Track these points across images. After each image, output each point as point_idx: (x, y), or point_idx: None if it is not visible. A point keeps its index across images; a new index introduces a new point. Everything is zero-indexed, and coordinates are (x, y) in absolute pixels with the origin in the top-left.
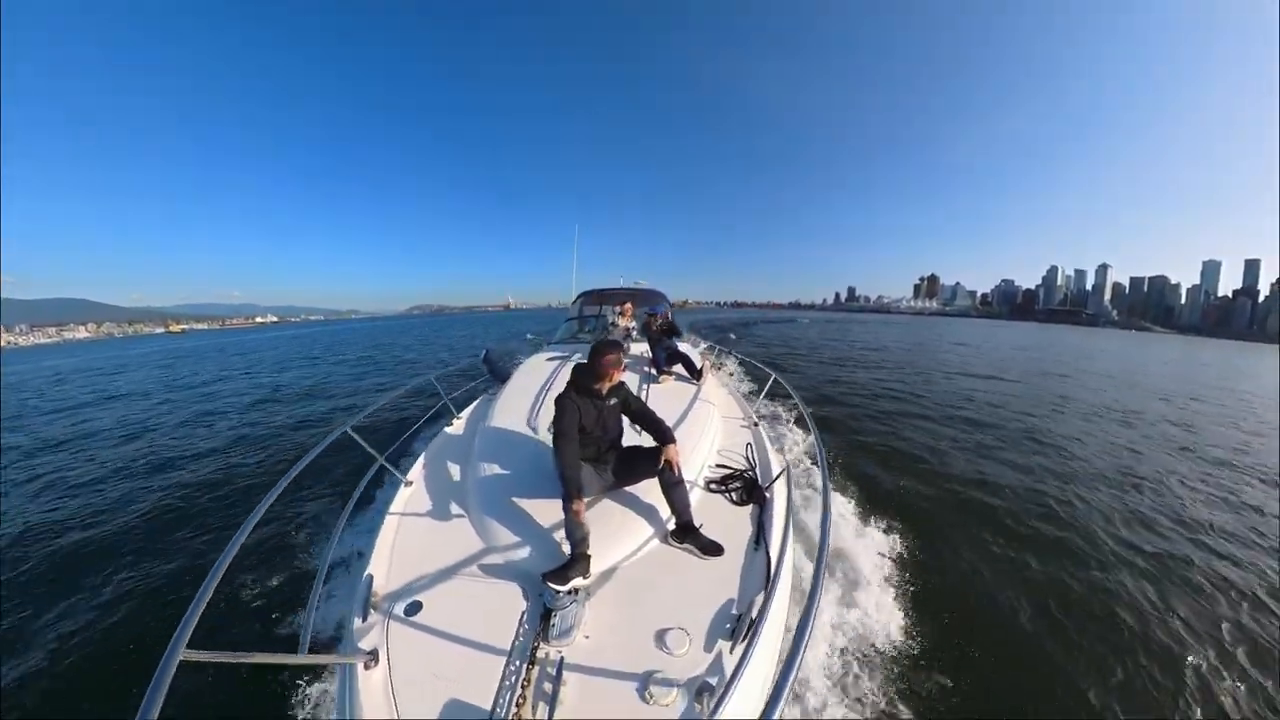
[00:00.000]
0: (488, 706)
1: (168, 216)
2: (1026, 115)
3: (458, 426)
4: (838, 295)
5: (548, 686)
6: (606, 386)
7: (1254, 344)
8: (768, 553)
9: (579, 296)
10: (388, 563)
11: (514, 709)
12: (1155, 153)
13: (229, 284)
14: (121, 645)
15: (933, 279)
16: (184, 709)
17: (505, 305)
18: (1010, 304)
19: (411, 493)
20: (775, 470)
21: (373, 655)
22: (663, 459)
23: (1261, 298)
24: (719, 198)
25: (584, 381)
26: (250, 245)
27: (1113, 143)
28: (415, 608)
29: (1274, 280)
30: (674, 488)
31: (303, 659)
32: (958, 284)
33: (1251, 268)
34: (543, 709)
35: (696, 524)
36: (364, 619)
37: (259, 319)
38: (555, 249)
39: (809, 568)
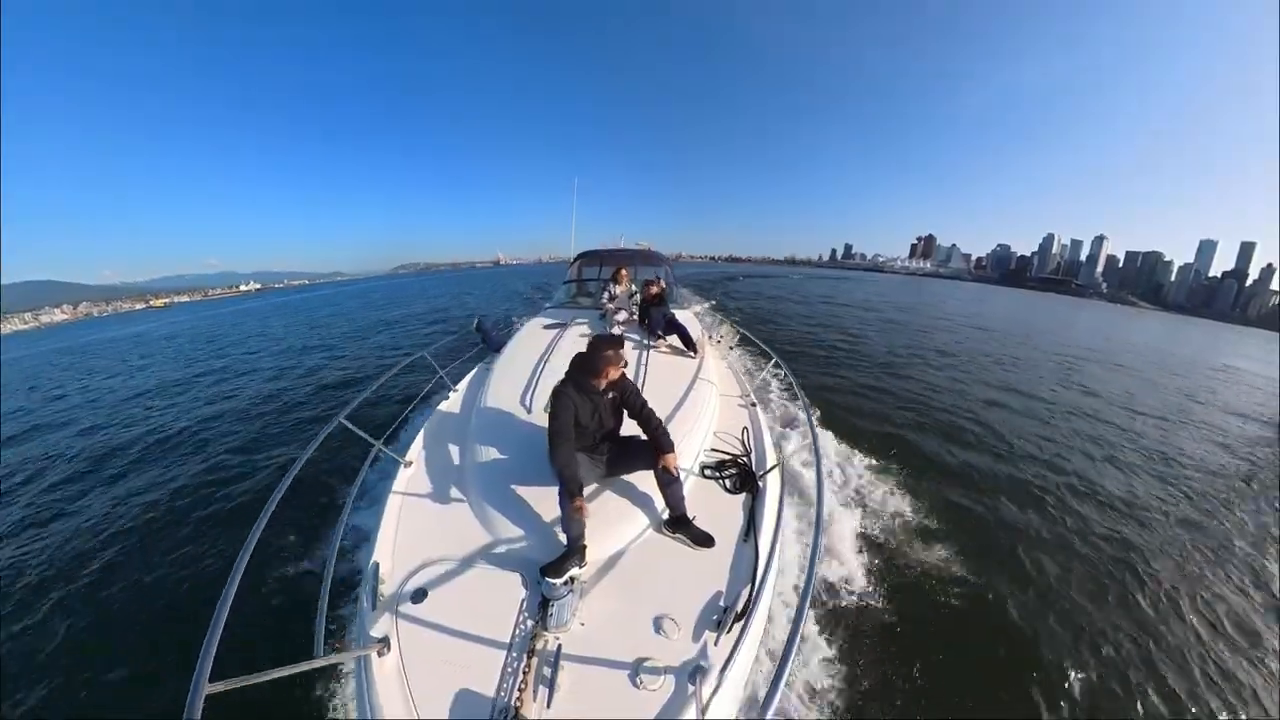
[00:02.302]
0: (492, 693)
1: (131, 186)
2: (1044, 68)
3: (454, 401)
4: (834, 252)
5: (547, 672)
6: (604, 383)
7: (1229, 325)
8: (756, 547)
9: (577, 258)
10: (392, 549)
11: (516, 694)
12: (1169, 126)
13: (204, 252)
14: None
15: (929, 239)
16: None
17: (495, 261)
18: (1003, 269)
19: (411, 475)
20: (770, 457)
21: (384, 642)
22: (660, 464)
23: (1249, 281)
24: (718, 149)
25: (581, 378)
26: (223, 210)
27: (1127, 108)
28: (421, 595)
29: (1264, 265)
30: (670, 485)
31: (321, 661)
32: (954, 246)
33: (1246, 250)
34: (543, 694)
35: (690, 515)
36: (373, 607)
37: (242, 286)
38: (546, 203)
39: (798, 557)
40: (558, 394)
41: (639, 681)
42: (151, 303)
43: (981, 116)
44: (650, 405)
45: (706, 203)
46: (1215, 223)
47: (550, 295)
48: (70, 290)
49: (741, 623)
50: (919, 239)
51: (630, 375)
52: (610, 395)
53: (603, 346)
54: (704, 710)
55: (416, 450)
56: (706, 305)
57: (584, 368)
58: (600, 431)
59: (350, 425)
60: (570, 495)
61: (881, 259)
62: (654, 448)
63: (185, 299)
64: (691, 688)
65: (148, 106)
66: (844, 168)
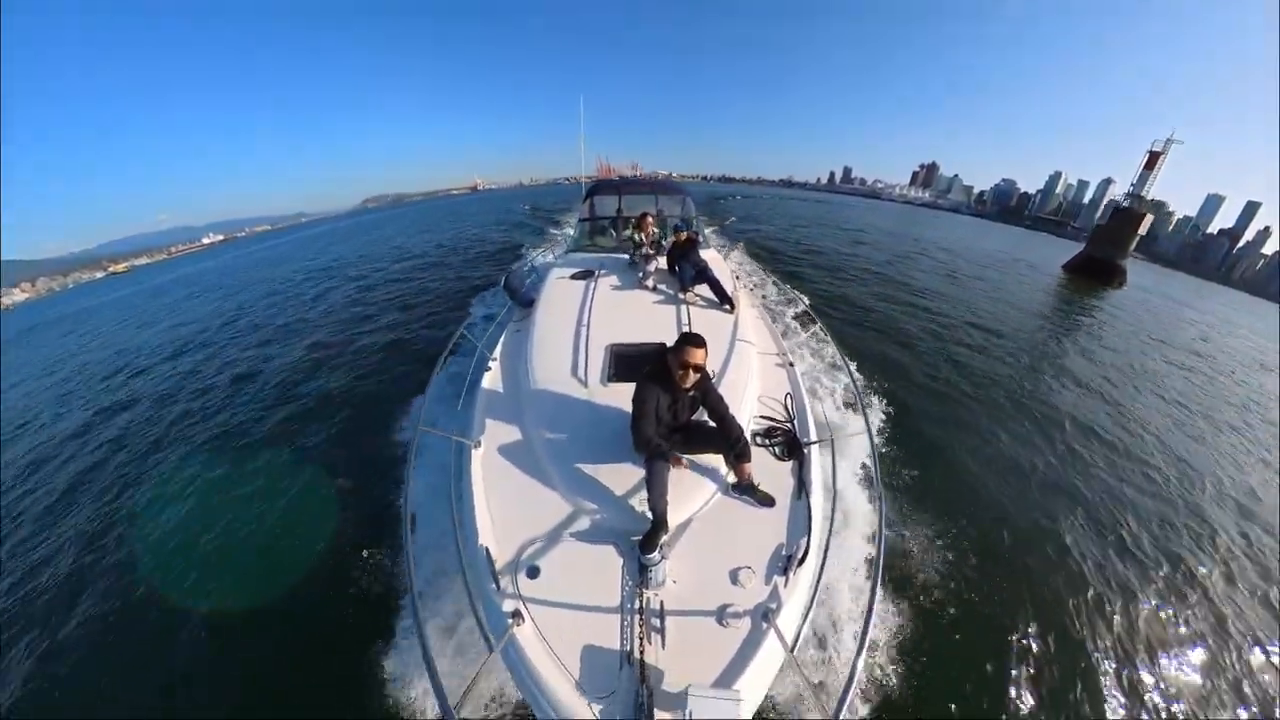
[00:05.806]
0: (617, 645)
1: (58, 143)
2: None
3: (496, 374)
4: (832, 175)
5: (655, 623)
6: (690, 381)
7: (1205, 283)
8: (808, 504)
9: (590, 191)
10: (493, 532)
11: (637, 643)
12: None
13: (151, 207)
14: None
15: (931, 167)
16: None
17: (473, 187)
18: (1003, 205)
19: (484, 458)
20: (811, 421)
21: (518, 616)
22: (737, 470)
23: (1243, 242)
24: (717, 61)
25: (666, 376)
26: (165, 159)
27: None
28: (535, 572)
29: (1261, 228)
30: (741, 468)
31: (497, 649)
32: (956, 176)
33: (1250, 210)
34: (656, 640)
35: (756, 481)
36: (498, 586)
37: (204, 240)
38: (526, 122)
39: (852, 508)
40: (642, 386)
41: (725, 623)
42: (112, 269)
43: (1007, 36)
44: (726, 403)
45: (703, 123)
46: (1237, 179)
47: (545, 210)
48: (20, 267)
49: (800, 567)
50: (921, 166)
51: (672, 333)
52: (692, 394)
53: (691, 343)
54: (781, 639)
55: (480, 430)
56: (711, 228)
57: (671, 368)
58: (674, 424)
59: (429, 429)
60: (665, 459)
61: (880, 185)
62: (735, 455)
63: (146, 261)
64: (765, 624)
65: (57, 50)
66: (852, 89)
